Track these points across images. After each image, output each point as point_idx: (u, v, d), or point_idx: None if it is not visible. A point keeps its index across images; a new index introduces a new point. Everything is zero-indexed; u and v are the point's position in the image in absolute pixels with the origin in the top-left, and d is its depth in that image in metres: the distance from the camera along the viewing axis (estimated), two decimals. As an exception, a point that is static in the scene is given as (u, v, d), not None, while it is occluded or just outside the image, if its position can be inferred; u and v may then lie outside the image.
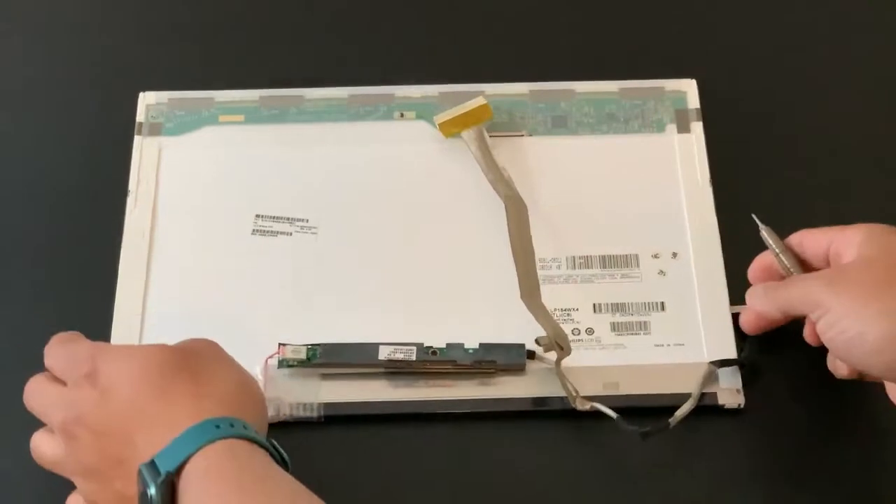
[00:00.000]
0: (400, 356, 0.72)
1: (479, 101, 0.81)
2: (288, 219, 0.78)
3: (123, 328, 0.74)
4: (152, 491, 0.58)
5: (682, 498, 0.70)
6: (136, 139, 0.82)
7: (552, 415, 0.72)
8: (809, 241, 0.72)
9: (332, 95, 0.84)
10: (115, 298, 0.75)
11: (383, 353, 0.72)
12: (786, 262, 0.72)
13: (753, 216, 0.73)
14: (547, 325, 0.72)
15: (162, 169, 0.80)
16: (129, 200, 0.79)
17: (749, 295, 0.73)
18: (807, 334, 0.71)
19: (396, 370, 0.73)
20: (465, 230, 0.78)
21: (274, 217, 0.78)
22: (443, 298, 0.76)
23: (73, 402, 0.62)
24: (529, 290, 0.74)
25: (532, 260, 0.75)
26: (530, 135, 0.82)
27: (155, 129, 0.82)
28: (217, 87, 0.84)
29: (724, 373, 0.73)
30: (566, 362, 0.72)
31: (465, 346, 0.73)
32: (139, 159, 0.81)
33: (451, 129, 0.81)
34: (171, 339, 0.66)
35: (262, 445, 0.61)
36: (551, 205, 0.79)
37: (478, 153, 0.80)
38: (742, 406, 0.72)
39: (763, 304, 0.72)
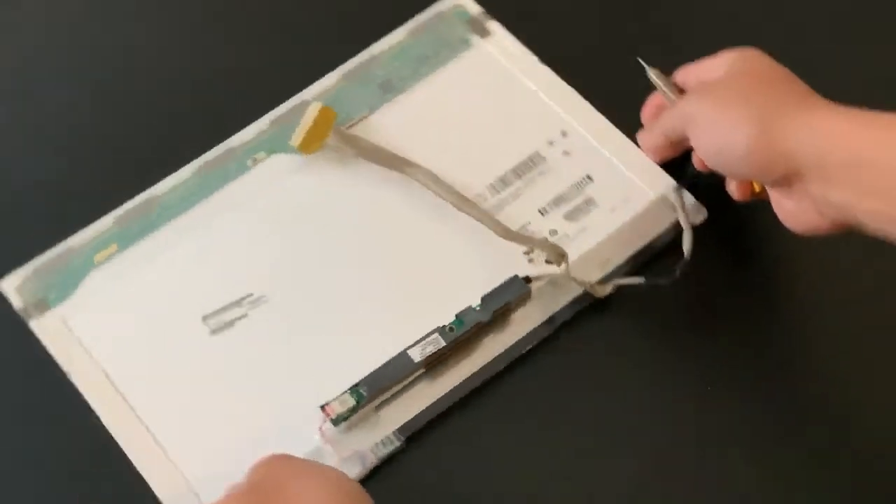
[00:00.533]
0: (431, 349, 0.73)
1: (316, 106, 0.80)
2: (233, 303, 0.76)
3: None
4: None
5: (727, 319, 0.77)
6: (33, 323, 0.75)
7: (577, 320, 0.76)
8: (688, 74, 0.76)
9: (179, 180, 0.80)
10: (145, 482, 0.70)
11: (416, 355, 0.73)
12: (673, 98, 0.76)
13: (639, 60, 0.78)
14: (538, 244, 0.75)
15: (81, 336, 0.75)
16: (75, 379, 0.73)
17: (639, 136, 0.79)
18: (694, 159, 0.76)
19: (433, 363, 0.73)
20: (393, 220, 0.79)
21: (219, 310, 0.75)
22: (417, 288, 0.77)
23: None
24: (501, 228, 0.76)
25: (475, 205, 0.78)
26: (372, 112, 0.83)
27: (43, 306, 0.76)
28: (67, 230, 0.79)
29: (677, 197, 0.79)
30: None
31: (473, 307, 0.74)
32: (51, 340, 0.74)
33: (312, 144, 0.80)
34: (228, 478, 0.63)
35: None
36: (437, 157, 0.81)
37: (352, 150, 0.80)
38: (707, 218, 0.78)
39: (649, 139, 0.77)
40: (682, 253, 0.76)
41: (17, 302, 0.76)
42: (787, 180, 0.66)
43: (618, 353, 0.75)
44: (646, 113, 0.80)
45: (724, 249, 0.78)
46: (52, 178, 0.82)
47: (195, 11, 0.90)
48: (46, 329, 0.75)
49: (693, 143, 0.71)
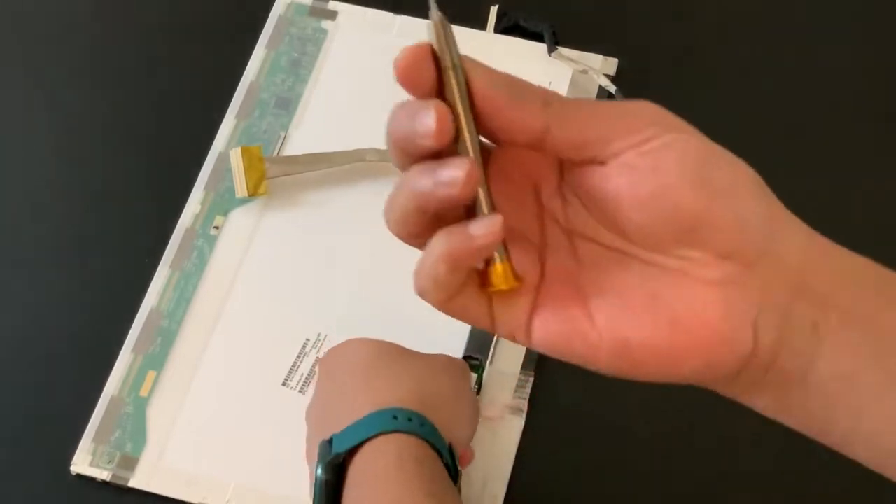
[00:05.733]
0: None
1: (237, 151, 0.79)
2: (299, 355, 0.75)
3: None
4: (318, 470, 0.59)
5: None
6: (134, 481, 0.71)
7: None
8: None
9: (164, 281, 0.77)
10: None
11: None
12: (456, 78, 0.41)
13: None
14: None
15: (184, 466, 0.72)
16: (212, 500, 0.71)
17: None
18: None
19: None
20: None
21: (292, 368, 0.74)
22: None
23: None
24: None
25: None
26: (287, 130, 0.83)
27: (130, 462, 0.71)
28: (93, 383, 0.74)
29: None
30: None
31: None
32: (162, 484, 0.71)
33: (258, 185, 0.79)
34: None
35: (435, 447, 0.61)
36: (368, 137, 0.81)
37: (295, 170, 0.80)
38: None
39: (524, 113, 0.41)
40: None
41: (101, 475, 0.71)
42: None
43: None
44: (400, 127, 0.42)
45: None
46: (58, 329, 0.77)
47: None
48: (151, 478, 0.71)
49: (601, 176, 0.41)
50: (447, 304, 0.42)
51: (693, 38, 0.88)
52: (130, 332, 0.76)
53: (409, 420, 0.60)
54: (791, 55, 0.86)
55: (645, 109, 0.41)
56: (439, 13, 0.41)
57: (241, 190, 0.79)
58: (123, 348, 0.75)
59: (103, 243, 0.80)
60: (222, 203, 0.80)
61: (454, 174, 0.39)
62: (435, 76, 0.40)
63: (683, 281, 0.40)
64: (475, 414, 0.68)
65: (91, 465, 0.72)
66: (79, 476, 0.72)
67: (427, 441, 0.60)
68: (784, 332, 0.40)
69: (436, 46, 0.40)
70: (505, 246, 0.41)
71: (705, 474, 0.72)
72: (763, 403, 0.43)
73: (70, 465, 0.72)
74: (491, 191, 0.41)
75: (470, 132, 0.40)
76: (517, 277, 0.41)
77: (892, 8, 0.88)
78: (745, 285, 0.40)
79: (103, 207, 0.81)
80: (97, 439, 0.73)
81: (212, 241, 0.79)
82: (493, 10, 0.87)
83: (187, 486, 0.71)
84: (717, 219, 0.40)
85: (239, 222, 0.80)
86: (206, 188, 0.81)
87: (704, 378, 0.41)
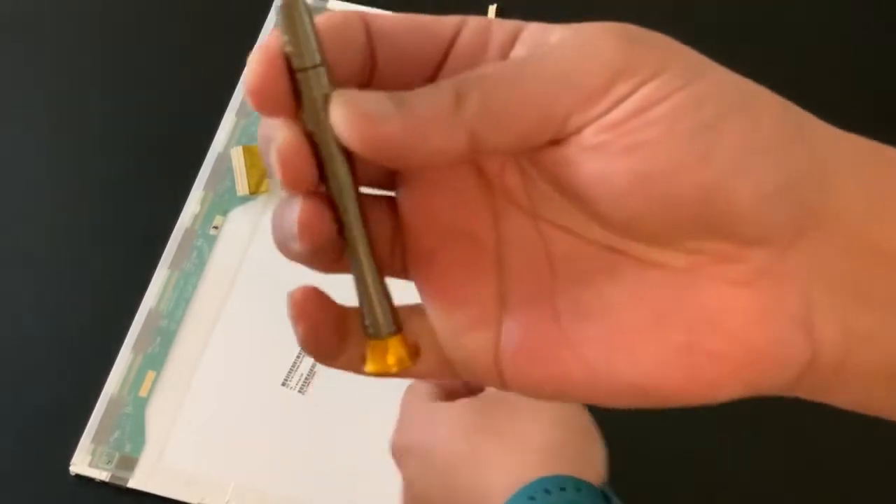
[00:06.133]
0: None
1: (238, 150, 0.80)
2: (299, 354, 0.75)
3: None
4: None
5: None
6: (133, 481, 0.71)
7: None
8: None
9: (163, 281, 0.77)
10: None
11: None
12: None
13: None
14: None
15: (184, 466, 0.72)
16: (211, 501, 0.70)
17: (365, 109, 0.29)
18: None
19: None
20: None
21: (292, 368, 0.74)
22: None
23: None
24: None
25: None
26: (284, 129, 0.83)
27: (129, 462, 0.71)
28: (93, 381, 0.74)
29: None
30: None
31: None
32: (162, 484, 0.71)
33: (259, 184, 0.79)
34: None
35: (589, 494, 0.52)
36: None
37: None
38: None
39: (435, 130, 0.28)
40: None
41: (100, 475, 0.71)
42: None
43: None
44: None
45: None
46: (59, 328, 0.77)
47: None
48: (150, 478, 0.71)
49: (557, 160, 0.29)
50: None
51: (693, 40, 0.87)
52: (130, 331, 0.76)
53: (548, 492, 0.50)
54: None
55: (602, 52, 0.30)
56: None
57: (242, 188, 0.79)
58: (123, 348, 0.75)
59: (103, 243, 0.80)
60: (222, 203, 0.80)
61: (291, 222, 0.29)
62: (289, 91, 0.29)
63: (699, 284, 0.29)
64: (596, 436, 0.58)
65: (90, 465, 0.72)
66: (78, 476, 0.72)
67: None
68: (852, 317, 0.29)
69: (285, 42, 0.29)
70: (387, 298, 0.30)
71: (708, 479, 0.72)
72: (841, 401, 0.32)
73: (69, 465, 0.72)
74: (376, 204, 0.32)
75: (332, 155, 0.29)
76: (412, 353, 0.30)
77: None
78: (785, 274, 0.29)
79: (103, 207, 0.81)
80: (96, 439, 0.72)
81: (211, 241, 0.79)
82: (492, 8, 0.87)
83: (187, 487, 0.71)
84: (736, 198, 0.28)
85: (238, 222, 0.80)
86: (205, 188, 0.81)
87: (751, 394, 0.30)
